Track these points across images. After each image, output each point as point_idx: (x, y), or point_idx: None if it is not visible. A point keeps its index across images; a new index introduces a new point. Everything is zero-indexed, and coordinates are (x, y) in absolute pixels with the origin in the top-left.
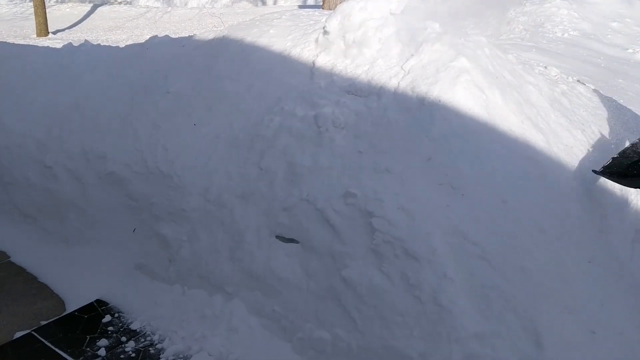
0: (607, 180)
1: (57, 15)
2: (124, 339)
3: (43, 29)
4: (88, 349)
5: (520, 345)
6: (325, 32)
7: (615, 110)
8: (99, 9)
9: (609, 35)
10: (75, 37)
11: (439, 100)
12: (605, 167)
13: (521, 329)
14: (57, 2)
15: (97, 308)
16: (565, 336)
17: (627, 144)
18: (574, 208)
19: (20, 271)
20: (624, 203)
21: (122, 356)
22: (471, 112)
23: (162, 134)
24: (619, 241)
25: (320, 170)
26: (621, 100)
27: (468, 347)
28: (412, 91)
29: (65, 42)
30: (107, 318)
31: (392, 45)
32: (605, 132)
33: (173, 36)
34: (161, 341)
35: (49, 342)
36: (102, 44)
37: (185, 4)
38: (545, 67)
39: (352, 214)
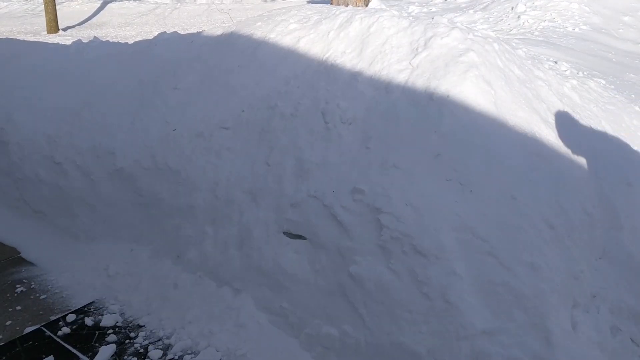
0: (618, 176)
1: (67, 11)
2: (132, 334)
3: (53, 26)
4: (97, 344)
5: (529, 343)
6: (336, 29)
7: (627, 106)
8: (109, 5)
9: (621, 30)
10: (85, 33)
11: (448, 96)
12: None
13: (530, 325)
14: None
15: (106, 303)
16: (575, 333)
17: None
18: (584, 204)
19: (30, 267)
20: (634, 199)
21: (130, 351)
22: (480, 107)
23: (170, 130)
24: (629, 238)
25: (328, 166)
26: (632, 95)
27: (477, 344)
28: (421, 86)
29: (75, 39)
30: (116, 313)
31: (401, 40)
32: (616, 127)
33: (182, 32)
34: (169, 337)
35: (58, 337)
36: (111, 40)
37: (194, 0)
38: (556, 62)
39: (360, 210)
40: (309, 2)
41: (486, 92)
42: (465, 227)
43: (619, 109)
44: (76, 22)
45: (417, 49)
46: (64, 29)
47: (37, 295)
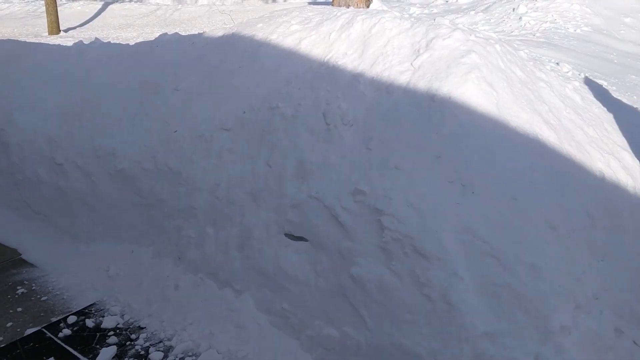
0: (619, 177)
1: (68, 13)
2: (133, 336)
3: (55, 27)
4: (98, 345)
5: (531, 344)
6: (337, 30)
7: (628, 107)
8: (110, 6)
9: (622, 31)
10: (86, 34)
11: (449, 97)
12: None
13: (532, 327)
14: (68, 0)
15: (107, 305)
16: (577, 335)
17: None
18: (586, 205)
19: (31, 268)
20: (636, 200)
21: (131, 353)
22: (481, 108)
23: (171, 131)
24: (631, 239)
25: (329, 167)
26: (634, 97)
27: (478, 346)
28: (423, 87)
29: (76, 40)
30: (117, 315)
31: (403, 41)
32: (618, 128)
33: (183, 33)
34: (170, 338)
35: (58, 339)
36: (112, 42)
37: (196, 2)
38: (557, 64)
39: (361, 212)
40: (310, 3)
41: (488, 94)
42: (466, 228)
43: (620, 110)
44: (77, 24)
45: (418, 51)
46: (65, 30)
47: (38, 296)
